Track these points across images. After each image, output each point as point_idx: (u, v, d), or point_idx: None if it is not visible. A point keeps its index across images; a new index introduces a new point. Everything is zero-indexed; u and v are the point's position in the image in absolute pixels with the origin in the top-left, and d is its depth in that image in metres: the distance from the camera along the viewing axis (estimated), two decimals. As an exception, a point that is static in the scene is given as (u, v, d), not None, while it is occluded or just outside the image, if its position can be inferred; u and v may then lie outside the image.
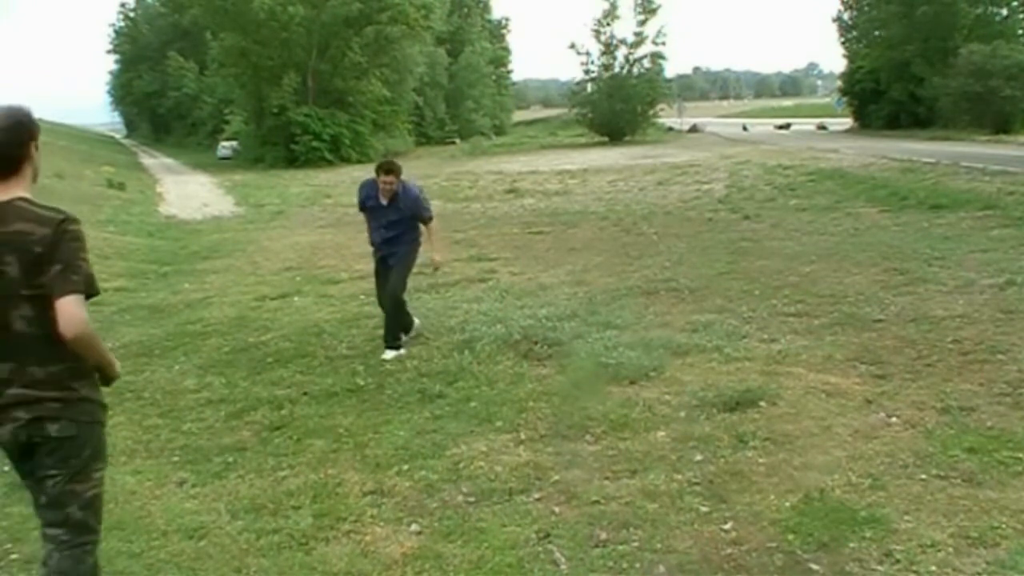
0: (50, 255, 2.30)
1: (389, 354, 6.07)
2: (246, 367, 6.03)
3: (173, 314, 8.12)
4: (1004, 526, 3.17)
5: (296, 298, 8.47)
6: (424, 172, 26.51)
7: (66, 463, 2.43)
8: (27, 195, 2.40)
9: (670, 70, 58.05)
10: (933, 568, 2.94)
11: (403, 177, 6.15)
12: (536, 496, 3.69)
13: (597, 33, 49.01)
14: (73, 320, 2.27)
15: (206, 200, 21.85)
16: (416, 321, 6.54)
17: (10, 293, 2.32)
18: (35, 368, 2.37)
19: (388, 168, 6.12)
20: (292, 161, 37.64)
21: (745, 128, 57.41)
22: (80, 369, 2.43)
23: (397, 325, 6.22)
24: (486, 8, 69.79)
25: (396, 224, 6.13)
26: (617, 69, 49.03)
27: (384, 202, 6.11)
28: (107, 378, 2.52)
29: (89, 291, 2.38)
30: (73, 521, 2.47)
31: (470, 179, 24.62)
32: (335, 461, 4.22)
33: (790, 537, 3.20)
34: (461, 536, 3.37)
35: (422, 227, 6.25)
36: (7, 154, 2.38)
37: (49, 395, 2.39)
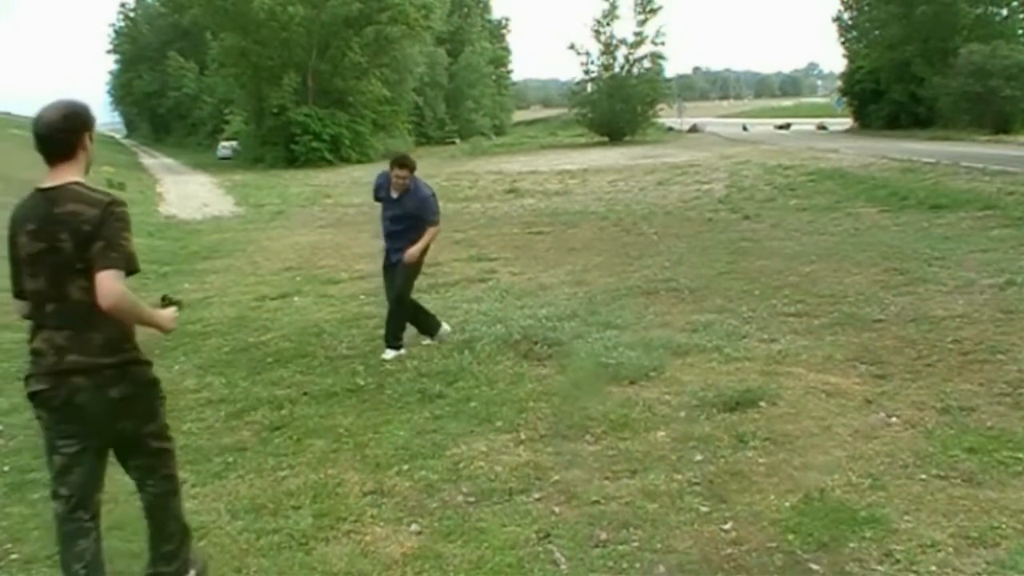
0: (96, 233, 2.54)
1: (389, 354, 6.07)
2: (246, 367, 6.03)
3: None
4: (1004, 526, 3.17)
5: (296, 298, 8.47)
6: (424, 172, 26.46)
7: (133, 415, 2.76)
8: (81, 180, 2.65)
9: (670, 70, 58.10)
10: (933, 568, 2.94)
11: (417, 174, 6.14)
12: (536, 496, 3.69)
13: (597, 33, 49.01)
14: (109, 293, 2.51)
15: (206, 200, 21.85)
16: (445, 327, 6.43)
17: (67, 267, 2.58)
18: (91, 334, 2.62)
19: (402, 162, 6.11)
20: (292, 161, 37.65)
21: (745, 128, 57.42)
22: (129, 334, 2.70)
23: (398, 325, 6.20)
24: (486, 8, 69.79)
25: (400, 219, 6.10)
26: (617, 69, 49.03)
27: (394, 195, 6.09)
28: (164, 331, 2.85)
29: (129, 268, 2.61)
30: (151, 449, 2.88)
31: (470, 179, 24.62)
32: (335, 461, 4.22)
33: (790, 537, 3.20)
34: (461, 536, 3.37)
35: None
36: (64, 140, 2.63)
37: (105, 361, 2.64)
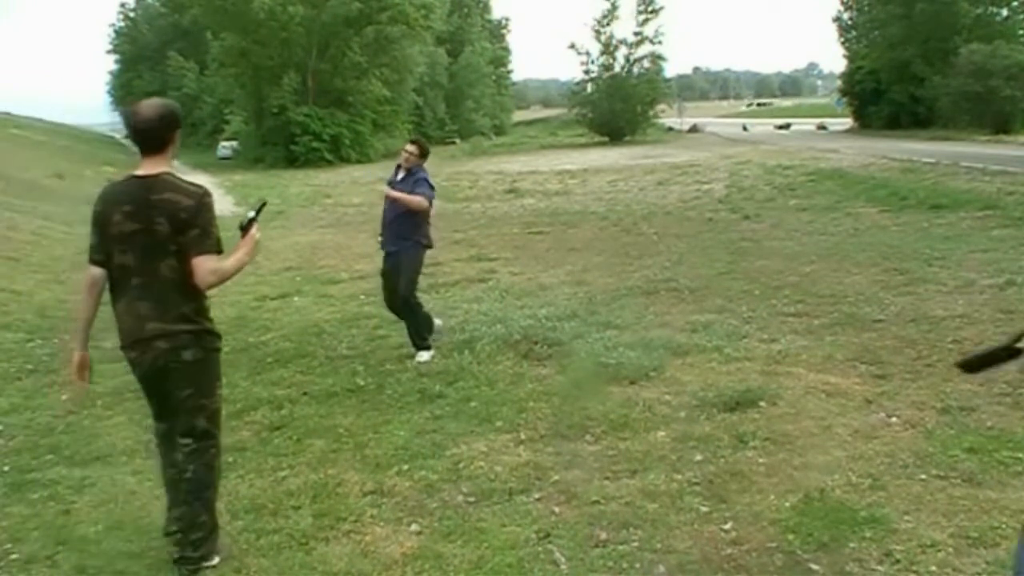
0: (192, 221, 2.94)
1: (424, 356, 5.94)
2: (246, 367, 6.03)
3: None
4: (1004, 526, 3.17)
5: (296, 298, 8.47)
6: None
7: (197, 382, 3.08)
8: (170, 170, 3.02)
9: (670, 70, 58.06)
10: (933, 568, 2.94)
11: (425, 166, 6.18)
12: (536, 496, 3.69)
13: (597, 33, 49.00)
14: (208, 274, 2.96)
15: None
16: (437, 321, 6.36)
17: (160, 247, 2.95)
18: (171, 307, 2.99)
19: (416, 140, 6.27)
20: (292, 161, 37.64)
21: (745, 128, 57.41)
22: (204, 308, 3.12)
23: (419, 326, 6.09)
24: (486, 8, 69.75)
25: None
26: (617, 69, 49.02)
27: (400, 176, 6.08)
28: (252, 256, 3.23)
29: (218, 251, 3.03)
30: (200, 431, 3.12)
31: (470, 179, 24.61)
32: (335, 461, 4.21)
33: (790, 537, 3.20)
34: (461, 536, 3.37)
35: (426, 226, 6.14)
36: (158, 135, 3.00)
37: (182, 328, 3.01)
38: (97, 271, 3.07)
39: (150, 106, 3.03)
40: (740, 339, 5.96)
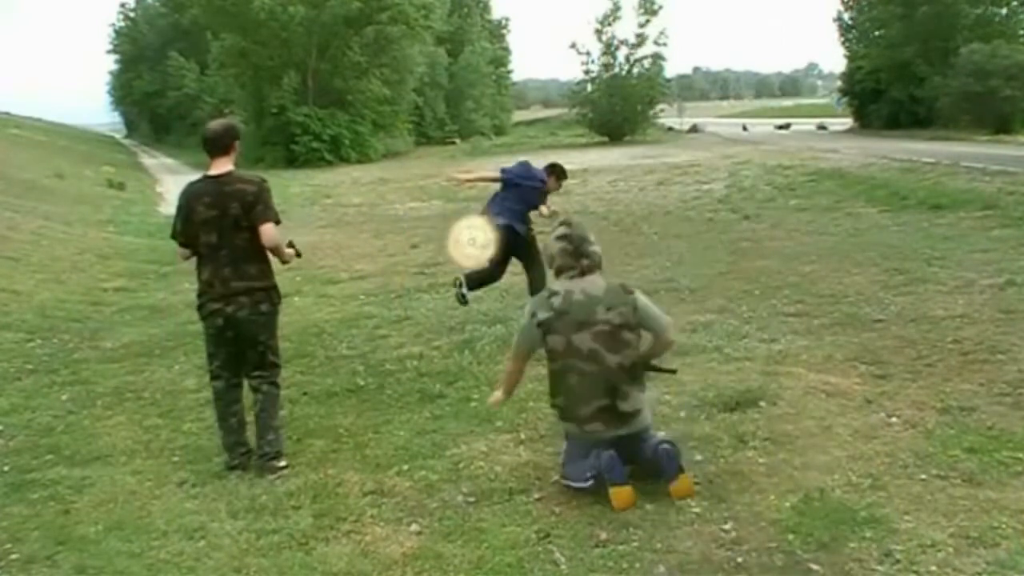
0: (256, 201, 4.05)
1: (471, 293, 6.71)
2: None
3: (173, 314, 8.12)
4: (1004, 526, 3.17)
5: (296, 298, 8.46)
6: (424, 172, 26.53)
7: (268, 329, 4.25)
8: (233, 168, 4.13)
9: (670, 70, 57.87)
10: (933, 568, 2.94)
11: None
12: (536, 496, 3.69)
13: (599, 33, 48.95)
14: (271, 236, 4.10)
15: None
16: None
17: (235, 225, 4.03)
18: (249, 268, 4.10)
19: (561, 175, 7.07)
20: (292, 161, 37.59)
21: (745, 128, 57.36)
22: (270, 269, 4.23)
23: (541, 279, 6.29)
24: (486, 8, 69.70)
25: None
26: (617, 69, 48.98)
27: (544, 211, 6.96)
28: (284, 262, 4.34)
29: (277, 220, 4.14)
30: (269, 363, 4.27)
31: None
32: (335, 461, 4.22)
33: (790, 537, 3.20)
34: (461, 536, 3.37)
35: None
36: (224, 143, 4.12)
37: (258, 285, 4.15)
38: (185, 250, 4.18)
39: (217, 122, 4.29)
40: (740, 339, 5.96)
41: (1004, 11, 41.44)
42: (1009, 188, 14.16)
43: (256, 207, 4.02)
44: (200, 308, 4.17)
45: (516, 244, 6.76)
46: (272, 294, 4.23)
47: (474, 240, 6.76)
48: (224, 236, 4.03)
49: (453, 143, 52.02)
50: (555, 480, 3.82)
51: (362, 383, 5.51)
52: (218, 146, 4.11)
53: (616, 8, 48.14)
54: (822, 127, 52.76)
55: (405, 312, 7.60)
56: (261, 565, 3.22)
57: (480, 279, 6.82)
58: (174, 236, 4.18)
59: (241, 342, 4.16)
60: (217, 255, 4.06)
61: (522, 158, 7.46)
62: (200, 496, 3.89)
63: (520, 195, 6.83)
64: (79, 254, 11.97)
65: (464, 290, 6.71)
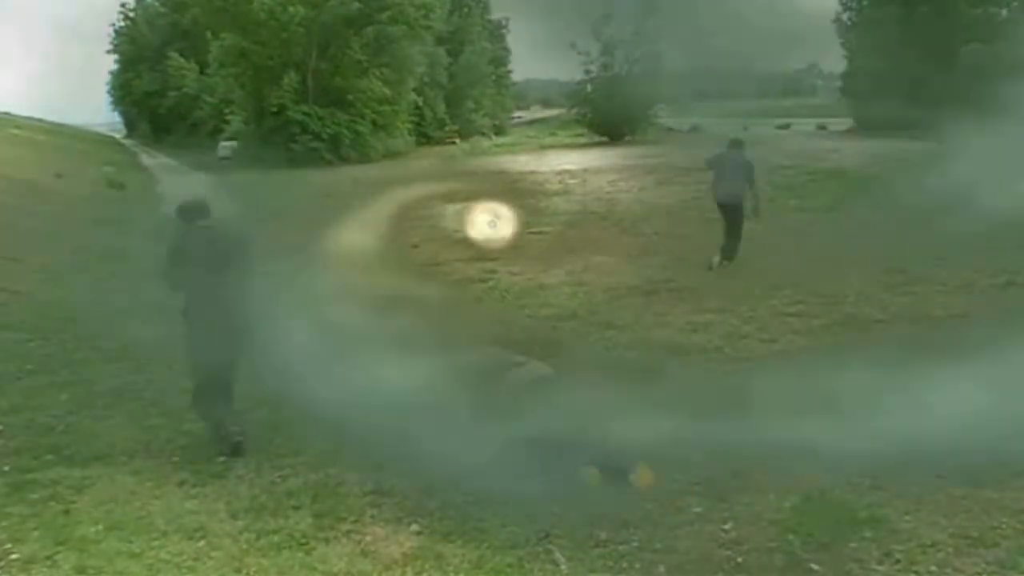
0: None
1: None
2: (245, 368, 6.01)
3: (174, 314, 8.09)
4: (1004, 526, 3.16)
5: (296, 298, 8.46)
6: (424, 172, 26.50)
7: None
8: None
9: (670, 70, 57.75)
10: (933, 568, 2.94)
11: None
12: (536, 496, 3.69)
13: (597, 33, 48.90)
14: None
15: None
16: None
17: None
18: None
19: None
20: (292, 161, 37.54)
21: (745, 128, 57.29)
22: None
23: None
24: (486, 8, 69.65)
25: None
26: (617, 69, 48.95)
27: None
28: None
29: None
30: None
31: (470, 179, 24.57)
32: (335, 461, 4.21)
33: (790, 537, 3.20)
34: (461, 536, 3.37)
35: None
36: None
37: None
38: None
39: None
40: (740, 339, 5.96)
41: (1004, 12, 41.47)
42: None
43: None
44: None
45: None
46: None
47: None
48: None
49: (453, 143, 51.99)
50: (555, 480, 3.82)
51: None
52: None
53: (615, 8, 48.11)
54: (822, 127, 52.73)
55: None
56: (261, 565, 3.22)
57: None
58: None
59: None
60: None
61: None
62: (200, 496, 3.89)
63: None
64: (79, 254, 11.96)
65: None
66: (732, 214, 9.05)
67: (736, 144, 9.73)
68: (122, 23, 78.16)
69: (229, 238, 4.64)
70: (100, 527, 3.58)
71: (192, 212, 4.69)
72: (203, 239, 4.57)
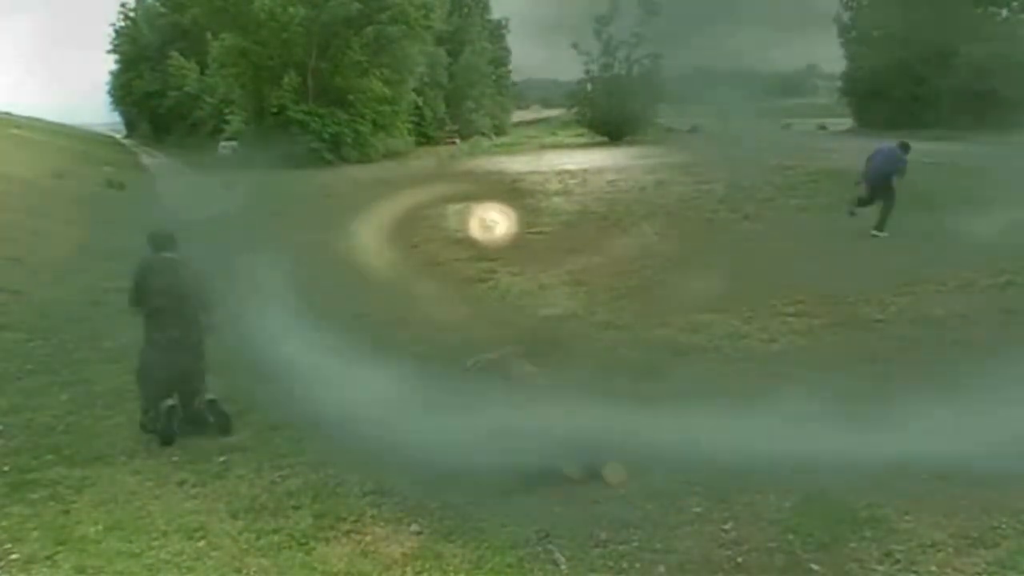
0: None
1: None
2: (244, 369, 6.02)
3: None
4: (1004, 526, 3.16)
5: (296, 298, 8.46)
6: (424, 173, 26.50)
7: None
8: None
9: (670, 70, 57.78)
10: (933, 568, 2.94)
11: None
12: (536, 496, 3.69)
13: (598, 33, 48.93)
14: None
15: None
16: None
17: None
18: None
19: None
20: (292, 161, 37.53)
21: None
22: None
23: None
24: (486, 8, 69.65)
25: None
26: (617, 69, 48.96)
27: None
28: None
29: None
30: None
31: (470, 180, 24.57)
32: (335, 461, 4.21)
33: (790, 537, 3.20)
34: (461, 536, 3.37)
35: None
36: None
37: None
38: None
39: None
40: (740, 339, 5.96)
41: (1004, 11, 41.47)
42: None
43: None
44: None
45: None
46: None
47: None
48: None
49: (453, 143, 51.98)
50: (555, 480, 3.82)
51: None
52: None
53: (615, 8, 48.12)
54: (822, 127, 52.72)
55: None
56: (261, 565, 3.22)
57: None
58: None
59: None
60: None
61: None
62: (200, 496, 3.88)
63: None
64: (79, 254, 11.96)
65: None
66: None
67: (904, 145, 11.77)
68: (122, 23, 78.13)
69: (188, 270, 5.01)
70: (100, 527, 3.58)
71: (160, 242, 5.10)
72: (165, 268, 5.02)
